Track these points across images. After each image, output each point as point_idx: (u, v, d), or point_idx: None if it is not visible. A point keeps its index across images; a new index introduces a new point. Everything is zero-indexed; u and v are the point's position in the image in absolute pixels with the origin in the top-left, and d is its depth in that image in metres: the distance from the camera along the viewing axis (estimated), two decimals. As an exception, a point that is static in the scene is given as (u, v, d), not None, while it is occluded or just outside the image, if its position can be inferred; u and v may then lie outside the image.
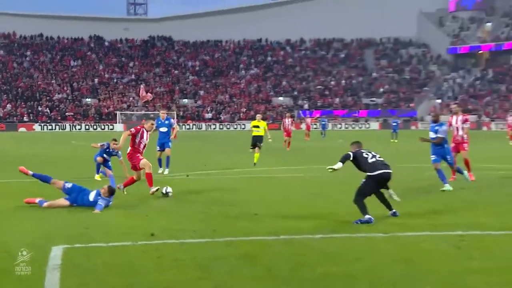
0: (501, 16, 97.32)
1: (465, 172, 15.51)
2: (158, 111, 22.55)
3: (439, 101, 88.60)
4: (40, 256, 7.90)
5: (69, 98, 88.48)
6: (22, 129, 76.94)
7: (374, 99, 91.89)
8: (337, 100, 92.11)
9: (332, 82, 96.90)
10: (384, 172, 10.71)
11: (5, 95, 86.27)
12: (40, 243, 8.75)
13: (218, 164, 23.08)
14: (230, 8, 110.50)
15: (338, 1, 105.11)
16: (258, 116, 25.01)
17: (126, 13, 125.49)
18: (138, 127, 14.17)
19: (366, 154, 10.92)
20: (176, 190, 13.50)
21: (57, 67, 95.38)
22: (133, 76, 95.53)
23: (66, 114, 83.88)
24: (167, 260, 7.71)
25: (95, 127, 79.05)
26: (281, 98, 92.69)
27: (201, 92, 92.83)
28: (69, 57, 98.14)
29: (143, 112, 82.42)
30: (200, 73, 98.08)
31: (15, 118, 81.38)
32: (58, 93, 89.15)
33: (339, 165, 10.70)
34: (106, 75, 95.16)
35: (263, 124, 23.54)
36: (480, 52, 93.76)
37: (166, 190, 13.40)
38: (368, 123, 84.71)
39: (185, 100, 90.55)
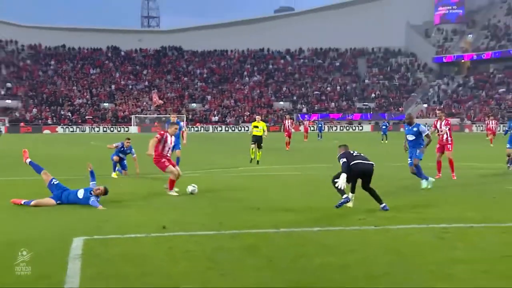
0: (481, 29, 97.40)
1: (423, 180, 14.46)
2: (169, 114, 22.52)
3: (425, 105, 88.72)
4: (62, 247, 7.92)
5: (88, 103, 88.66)
6: (46, 131, 77.10)
7: (367, 103, 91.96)
8: (332, 104, 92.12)
9: (328, 88, 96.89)
10: (361, 163, 10.93)
11: (31, 100, 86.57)
12: (61, 234, 8.76)
13: (223, 163, 23.09)
14: (235, 20, 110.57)
15: (334, 14, 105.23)
16: (258, 117, 24.80)
17: (140, 26, 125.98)
18: (162, 132, 13.76)
19: (353, 151, 11.34)
20: (185, 187, 13.44)
21: (78, 75, 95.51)
22: (146, 83, 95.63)
23: (86, 117, 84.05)
24: (178, 251, 7.72)
25: (111, 129, 79.11)
26: (281, 103, 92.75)
27: (209, 97, 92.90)
28: (89, 65, 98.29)
29: (155, 115, 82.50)
30: (208, 80, 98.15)
31: (40, 121, 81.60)
32: (79, 98, 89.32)
33: (344, 176, 10.70)
34: (122, 82, 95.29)
35: (262, 124, 23.53)
36: (462, 61, 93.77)
37: (190, 190, 13.03)
38: (361, 126, 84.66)
39: (194, 105, 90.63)
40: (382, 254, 7.56)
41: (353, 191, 11.22)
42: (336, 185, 10.78)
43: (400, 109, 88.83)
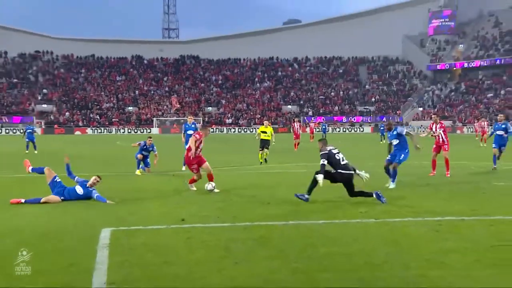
0: (471, 39, 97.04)
1: (390, 181, 13.81)
2: (186, 117, 22.36)
3: (420, 109, 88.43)
4: (92, 237, 7.99)
5: (115, 106, 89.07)
6: (77, 133, 77.64)
7: (367, 107, 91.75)
8: (336, 108, 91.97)
9: (332, 93, 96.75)
10: (345, 173, 11.16)
11: (64, 105, 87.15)
12: (91, 226, 8.83)
13: (236, 161, 23.09)
14: (247, 32, 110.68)
15: (337, 26, 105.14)
16: (266, 122, 23.43)
17: (162, 37, 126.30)
18: (201, 133, 13.54)
19: (337, 155, 11.30)
20: (203, 184, 13.42)
21: (105, 82, 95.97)
22: (166, 89, 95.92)
23: (113, 120, 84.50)
24: (195, 241, 7.73)
25: (135, 130, 79.39)
26: (289, 106, 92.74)
27: (223, 102, 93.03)
28: (115, 73, 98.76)
29: (174, 118, 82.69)
30: (222, 85, 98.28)
31: (72, 123, 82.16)
32: (106, 103, 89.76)
33: (321, 177, 10.97)
34: (145, 88, 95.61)
35: (270, 129, 22.37)
36: (454, 68, 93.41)
37: (209, 188, 12.60)
38: (362, 127, 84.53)
39: (210, 108, 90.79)
40: (382, 245, 7.55)
41: (367, 194, 11.23)
42: (316, 180, 11.00)
43: (398, 112, 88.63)
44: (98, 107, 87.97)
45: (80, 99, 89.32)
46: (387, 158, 13.96)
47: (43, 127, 78.79)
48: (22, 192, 12.15)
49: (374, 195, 11.02)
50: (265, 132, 22.00)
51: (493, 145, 18.76)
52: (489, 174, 17.19)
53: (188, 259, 6.82)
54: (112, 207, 10.73)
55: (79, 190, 11.52)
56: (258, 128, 23.24)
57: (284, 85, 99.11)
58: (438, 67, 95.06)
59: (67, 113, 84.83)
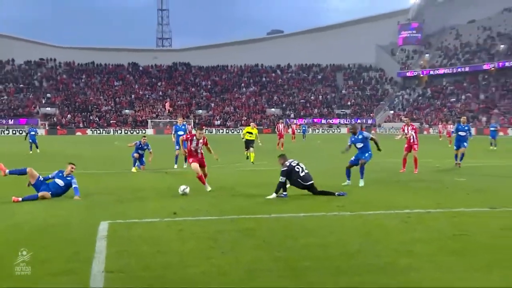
0: (435, 49, 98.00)
1: (348, 181, 13.25)
2: (177, 119, 22.16)
3: (392, 112, 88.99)
4: (91, 229, 7.96)
5: (112, 109, 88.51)
6: (78, 133, 76.98)
7: (344, 110, 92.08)
8: (315, 110, 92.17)
9: (312, 97, 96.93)
10: (311, 183, 11.38)
11: (66, 108, 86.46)
12: (91, 219, 8.80)
13: (224, 160, 23.01)
14: (234, 41, 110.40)
15: (316, 36, 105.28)
16: (253, 124, 22.96)
17: (156, 45, 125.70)
18: (192, 134, 13.19)
19: (297, 168, 11.43)
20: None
21: (104, 86, 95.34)
22: (160, 93, 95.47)
23: (111, 121, 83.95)
24: (186, 233, 7.72)
25: (132, 131, 78.84)
26: (273, 109, 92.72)
27: (212, 105, 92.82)
28: (113, 78, 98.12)
29: (167, 120, 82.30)
30: (211, 90, 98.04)
31: (73, 125, 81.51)
32: (105, 106, 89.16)
33: (274, 195, 11.11)
34: (140, 92, 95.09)
35: (255, 131, 21.97)
36: (421, 75, 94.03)
37: (183, 191, 11.58)
38: (339, 128, 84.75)
39: (200, 111, 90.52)
40: (356, 236, 7.58)
41: (329, 193, 11.47)
42: (267, 197, 11.03)
43: (371, 114, 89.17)
44: (97, 110, 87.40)
45: (81, 102, 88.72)
46: (351, 159, 13.34)
47: (47, 128, 78.17)
48: (25, 190, 12.01)
49: (336, 195, 11.30)
50: (250, 133, 21.68)
51: (454, 147, 18.69)
52: (452, 171, 17.36)
53: (179, 249, 6.80)
54: (111, 202, 10.67)
55: (60, 182, 11.34)
56: (244, 129, 22.69)
57: (268, 89, 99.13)
58: (407, 74, 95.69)
59: (68, 116, 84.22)
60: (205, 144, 12.88)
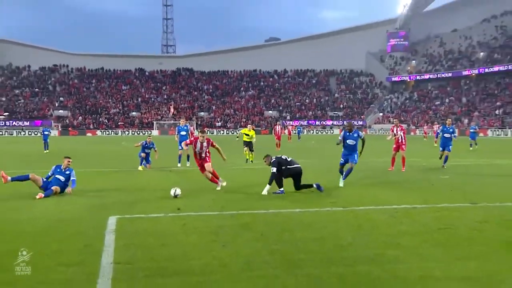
0: (421, 56, 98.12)
1: (342, 179, 12.70)
2: (179, 120, 21.93)
3: (381, 114, 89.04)
4: (101, 223, 7.96)
5: (120, 112, 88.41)
6: (89, 134, 76.94)
7: (336, 112, 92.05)
8: (310, 113, 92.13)
9: (307, 100, 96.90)
10: (297, 167, 11.50)
11: (77, 110, 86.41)
12: (100, 214, 8.79)
13: (227, 158, 22.88)
14: (234, 47, 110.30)
15: (311, 43, 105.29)
16: (250, 126, 22.32)
17: (161, 52, 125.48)
18: (195, 137, 12.77)
19: (283, 156, 11.77)
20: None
21: (112, 90, 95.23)
22: (165, 96, 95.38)
23: (119, 123, 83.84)
24: (189, 227, 7.71)
25: (138, 132, 78.81)
26: (270, 112, 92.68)
27: (213, 107, 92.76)
28: (121, 83, 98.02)
29: (172, 122, 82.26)
30: (213, 94, 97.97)
31: (84, 126, 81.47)
32: (113, 109, 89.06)
33: (268, 187, 11.19)
34: (146, 96, 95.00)
35: (252, 133, 21.34)
36: (408, 80, 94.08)
37: (175, 193, 10.62)
38: (332, 129, 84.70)
39: (202, 113, 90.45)
40: (348, 229, 7.59)
41: (308, 186, 11.55)
42: (262, 193, 11.05)
43: (362, 116, 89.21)
44: (106, 112, 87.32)
45: (91, 105, 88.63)
46: (341, 161, 12.87)
47: (60, 129, 78.16)
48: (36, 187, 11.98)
49: (314, 186, 11.39)
50: (247, 135, 21.13)
51: (440, 149, 18.18)
52: (437, 169, 17.36)
53: (183, 242, 6.80)
54: (119, 198, 10.66)
55: (60, 177, 11.31)
56: (241, 130, 21.79)
57: (266, 93, 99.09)
58: (395, 79, 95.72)
59: (80, 118, 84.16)
60: (212, 145, 12.41)
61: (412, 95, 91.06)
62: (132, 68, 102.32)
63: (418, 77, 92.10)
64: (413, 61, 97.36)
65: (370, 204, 9.80)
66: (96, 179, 14.42)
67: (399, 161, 16.91)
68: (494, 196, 10.80)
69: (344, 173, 12.68)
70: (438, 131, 19.01)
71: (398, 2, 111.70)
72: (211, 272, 5.50)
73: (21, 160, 23.02)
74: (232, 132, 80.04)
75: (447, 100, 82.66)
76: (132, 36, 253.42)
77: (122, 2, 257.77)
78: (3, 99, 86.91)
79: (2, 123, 78.41)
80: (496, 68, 78.16)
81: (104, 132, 79.07)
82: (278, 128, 33.45)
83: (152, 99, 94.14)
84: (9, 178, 11.10)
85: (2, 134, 74.52)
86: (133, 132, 78.96)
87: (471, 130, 32.37)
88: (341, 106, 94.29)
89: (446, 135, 18.12)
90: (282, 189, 11.30)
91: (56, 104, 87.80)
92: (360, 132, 12.96)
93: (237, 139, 21.25)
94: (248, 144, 20.90)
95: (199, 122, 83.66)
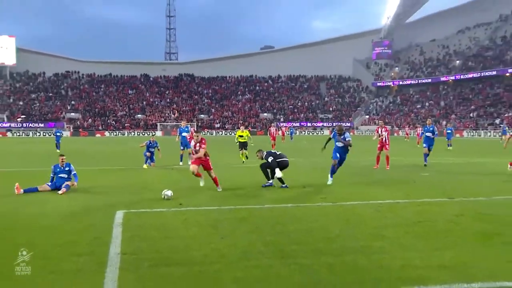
0: (403, 63, 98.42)
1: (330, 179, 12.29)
2: (181, 122, 21.72)
3: (367, 116, 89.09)
4: (109, 217, 7.95)
5: (127, 114, 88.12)
6: (98, 135, 76.68)
7: (326, 115, 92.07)
8: (302, 115, 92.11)
9: (299, 104, 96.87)
10: (286, 160, 11.82)
11: (88, 113, 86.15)
12: (108, 208, 8.77)
13: (222, 158, 22.94)
14: (232, 55, 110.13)
15: (303, 51, 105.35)
16: (242, 127, 21.64)
17: (164, 59, 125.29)
18: (189, 137, 12.61)
19: (275, 151, 12.06)
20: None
21: (120, 95, 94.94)
22: (168, 100, 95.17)
23: (125, 125, 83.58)
24: (190, 221, 7.71)
25: (143, 133, 78.60)
26: (265, 114, 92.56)
27: (213, 110, 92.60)
28: (127, 88, 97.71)
29: (174, 123, 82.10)
30: (212, 97, 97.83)
31: (93, 127, 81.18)
32: (120, 111, 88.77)
33: (278, 170, 11.47)
34: (151, 99, 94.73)
35: (246, 133, 20.80)
36: (392, 85, 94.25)
37: (166, 194, 9.85)
38: (322, 130, 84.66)
39: (202, 115, 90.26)
40: (336, 222, 7.61)
41: (272, 178, 11.74)
42: (276, 176, 11.40)
43: (350, 119, 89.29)
44: (114, 115, 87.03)
45: (100, 108, 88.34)
46: (335, 164, 12.28)
47: (72, 130, 77.81)
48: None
49: (282, 186, 11.49)
50: (241, 136, 20.64)
51: (424, 145, 18.14)
52: (418, 167, 17.41)
53: (184, 235, 6.80)
54: (125, 194, 10.64)
55: (63, 175, 11.30)
56: (236, 133, 21.12)
57: (261, 97, 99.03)
58: (380, 84, 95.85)
59: (90, 120, 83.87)
60: (200, 145, 11.43)
61: (395, 99, 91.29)
62: (137, 74, 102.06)
63: (400, 83, 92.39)
64: (396, 68, 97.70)
65: (357, 199, 9.82)
66: (105, 177, 14.39)
67: (384, 159, 16.94)
68: (469, 192, 10.87)
69: (333, 172, 12.32)
70: (421, 132, 18.96)
71: (382, 14, 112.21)
72: (211, 262, 5.51)
73: (37, 158, 22.93)
74: (230, 133, 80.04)
75: (427, 104, 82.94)
76: (137, 45, 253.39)
77: (129, 14, 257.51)
78: (21, 103, 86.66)
79: (19, 125, 78.40)
80: (470, 75, 78.94)
81: (112, 133, 78.82)
82: (273, 129, 33.44)
83: (156, 103, 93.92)
84: (22, 190, 10.92)
85: (19, 135, 74.54)
86: (138, 133, 78.73)
87: (448, 131, 32.52)
88: (331, 109, 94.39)
89: (428, 134, 18.03)
90: (271, 181, 11.39)
91: (68, 107, 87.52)
92: (347, 134, 12.29)
93: (236, 143, 20.92)
94: (243, 144, 20.48)
95: (199, 124, 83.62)
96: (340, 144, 12.33)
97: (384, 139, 17.07)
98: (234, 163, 19.12)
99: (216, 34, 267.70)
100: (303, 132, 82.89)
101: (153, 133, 73.83)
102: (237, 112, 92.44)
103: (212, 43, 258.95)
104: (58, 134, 29.83)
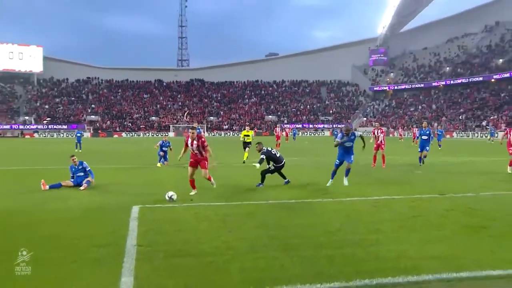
0: (398, 69, 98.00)
1: (345, 178, 11.65)
2: (193, 124, 21.72)
3: (365, 118, 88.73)
4: (125, 212, 7.97)
5: (142, 117, 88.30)
6: (115, 136, 76.95)
7: (327, 117, 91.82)
8: (304, 117, 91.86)
9: (301, 107, 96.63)
10: (282, 165, 11.61)
11: (106, 116, 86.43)
12: (125, 204, 8.79)
13: (231, 157, 22.98)
14: (239, 61, 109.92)
15: (305, 58, 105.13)
16: (247, 127, 20.94)
17: (176, 65, 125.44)
18: (186, 138, 10.95)
19: (273, 151, 11.70)
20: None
21: (135, 99, 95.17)
22: (180, 103, 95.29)
23: (140, 126, 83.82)
24: (201, 216, 7.72)
25: (157, 134, 78.73)
26: (270, 116, 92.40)
27: (221, 113, 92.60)
28: (143, 92, 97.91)
29: (185, 125, 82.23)
30: (221, 101, 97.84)
31: (111, 129, 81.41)
32: (136, 114, 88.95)
33: (258, 165, 11.28)
34: (164, 103, 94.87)
35: (250, 133, 20.01)
36: (387, 90, 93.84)
37: (170, 196, 9.18)
38: (323, 131, 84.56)
39: (211, 118, 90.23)
40: (337, 217, 7.58)
41: (283, 177, 11.74)
42: (253, 164, 11.42)
43: (348, 120, 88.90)
44: (130, 117, 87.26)
45: (117, 111, 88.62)
46: (336, 162, 11.53)
47: (92, 132, 78.12)
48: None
49: (284, 182, 11.57)
50: (247, 136, 19.85)
51: (419, 150, 17.53)
52: (412, 165, 17.34)
53: (195, 228, 6.81)
54: (140, 191, 10.66)
55: (80, 174, 11.39)
56: (241, 132, 20.40)
57: (266, 100, 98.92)
58: (377, 88, 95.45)
59: (108, 122, 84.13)
60: (203, 146, 10.15)
61: (391, 103, 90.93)
62: (152, 79, 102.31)
63: (395, 87, 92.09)
64: (392, 74, 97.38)
65: (356, 196, 9.80)
66: (121, 174, 14.44)
67: (380, 158, 16.88)
68: (459, 188, 10.80)
69: (346, 173, 11.56)
70: (418, 134, 18.55)
71: (378, 24, 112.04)
72: (220, 254, 5.52)
73: (60, 157, 23.06)
74: (237, 134, 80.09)
75: (420, 107, 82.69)
76: (152, 53, 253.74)
77: (144, 25, 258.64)
78: (46, 106, 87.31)
79: (45, 126, 79.21)
80: (459, 81, 78.96)
81: (128, 134, 79.04)
82: (278, 130, 33.50)
83: (169, 106, 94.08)
84: (47, 186, 11.03)
85: (45, 136, 75.29)
86: (152, 134, 78.93)
87: (438, 133, 32.40)
88: (331, 111, 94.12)
89: (423, 137, 17.55)
90: (261, 184, 11.33)
91: (89, 111, 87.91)
92: (356, 132, 11.88)
93: (241, 140, 20.53)
94: (248, 144, 19.74)
95: (209, 126, 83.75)
96: (348, 144, 11.48)
97: (379, 139, 17.04)
98: (238, 162, 19.11)
99: (224, 42, 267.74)
100: (305, 133, 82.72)
101: (166, 134, 74.04)
102: (244, 115, 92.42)
103: (221, 51, 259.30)
104: (78, 135, 30.08)
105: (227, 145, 37.10)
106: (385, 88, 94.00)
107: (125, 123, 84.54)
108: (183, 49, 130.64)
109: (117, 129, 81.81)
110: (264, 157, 11.42)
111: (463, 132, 63.61)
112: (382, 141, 17.02)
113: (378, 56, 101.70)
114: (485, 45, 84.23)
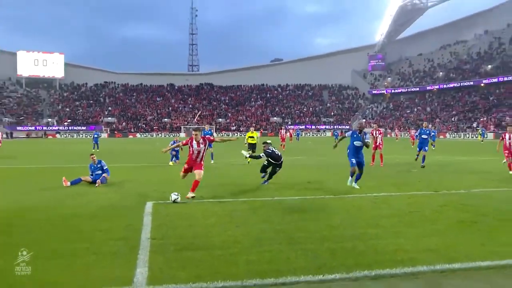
0: (395, 74, 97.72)
1: (354, 183, 10.48)
2: (204, 125, 21.75)
3: (364, 120, 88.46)
4: (140, 207, 8.00)
5: (155, 118, 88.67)
6: (130, 136, 77.28)
7: (328, 118, 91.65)
8: (307, 119, 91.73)
9: (304, 109, 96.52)
10: (282, 161, 11.40)
11: (122, 117, 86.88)
12: (139, 199, 8.83)
13: (236, 157, 22.87)
14: (246, 66, 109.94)
15: (308, 63, 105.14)
16: (252, 128, 20.17)
17: (187, 70, 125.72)
18: (188, 139, 10.29)
19: (277, 153, 11.50)
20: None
21: (149, 101, 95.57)
22: (190, 106, 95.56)
23: (154, 127, 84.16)
24: (209, 211, 7.73)
25: (169, 135, 79.01)
26: (275, 118, 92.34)
27: (229, 115, 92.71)
28: (156, 95, 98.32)
29: (196, 126, 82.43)
30: (229, 104, 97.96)
31: (127, 130, 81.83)
32: (150, 116, 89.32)
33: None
34: (176, 105, 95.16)
35: (256, 134, 19.16)
36: (385, 93, 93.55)
37: (174, 200, 8.55)
38: (325, 132, 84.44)
39: (220, 119, 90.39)
40: (338, 212, 7.57)
41: (264, 173, 11.63)
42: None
43: (348, 122, 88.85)
44: (144, 119, 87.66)
45: (132, 113, 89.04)
46: (353, 162, 10.28)
47: (108, 132, 78.66)
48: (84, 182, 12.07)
49: (264, 182, 11.30)
50: (252, 137, 18.94)
51: (417, 150, 16.89)
52: (409, 164, 17.24)
53: (204, 223, 6.82)
54: (153, 188, 10.69)
55: (98, 172, 11.48)
56: (246, 134, 19.49)
57: (271, 103, 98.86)
58: (375, 92, 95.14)
59: (123, 123, 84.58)
60: (213, 141, 10.14)
61: (388, 105, 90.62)
62: (164, 83, 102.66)
63: (393, 91, 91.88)
64: (389, 78, 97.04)
65: (356, 192, 9.77)
66: (136, 172, 14.49)
67: (378, 158, 16.81)
68: (452, 185, 10.74)
69: (355, 178, 10.48)
70: (416, 133, 17.51)
71: (376, 31, 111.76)
72: (228, 247, 5.52)
73: (79, 156, 23.21)
74: (244, 134, 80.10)
75: (415, 109, 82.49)
76: (164, 59, 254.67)
77: (157, 32, 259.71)
78: (67, 109, 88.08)
79: (66, 128, 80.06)
80: (451, 85, 78.88)
81: (142, 135, 79.41)
82: (283, 131, 33.49)
83: (180, 108, 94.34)
84: (69, 182, 11.09)
85: (66, 136, 75.92)
86: (165, 135, 79.21)
87: (432, 134, 32.18)
88: (332, 113, 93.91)
89: (423, 136, 16.75)
90: (266, 181, 11.28)
91: (106, 113, 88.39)
92: (367, 135, 11.08)
93: (245, 144, 19.25)
94: (253, 147, 18.67)
95: (217, 127, 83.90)
96: (358, 144, 10.28)
97: (378, 140, 17.00)
98: (241, 162, 19.14)
99: (231, 49, 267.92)
100: (308, 134, 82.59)
101: (177, 135, 74.23)
102: (250, 117, 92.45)
103: (228, 57, 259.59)
104: (95, 136, 30.30)
105: (233, 145, 37.13)
106: (383, 91, 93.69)
107: (139, 124, 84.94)
108: (194, 55, 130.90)
109: (132, 130, 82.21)
110: (264, 155, 11.28)
111: (455, 133, 63.99)
112: (380, 141, 16.98)
113: (376, 62, 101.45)
114: (475, 52, 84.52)
